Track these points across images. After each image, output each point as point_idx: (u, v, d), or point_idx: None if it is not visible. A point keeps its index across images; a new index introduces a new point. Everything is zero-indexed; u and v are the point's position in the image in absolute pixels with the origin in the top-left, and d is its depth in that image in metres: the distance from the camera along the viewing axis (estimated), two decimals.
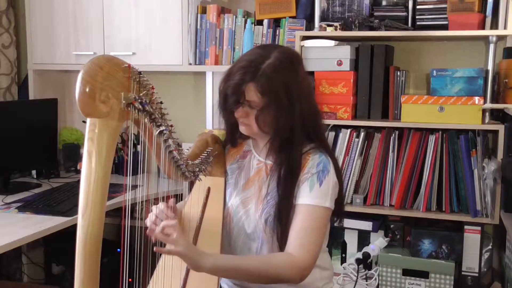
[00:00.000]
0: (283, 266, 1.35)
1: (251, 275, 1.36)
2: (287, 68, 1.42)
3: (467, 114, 2.28)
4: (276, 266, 1.34)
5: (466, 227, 2.33)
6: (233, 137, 1.62)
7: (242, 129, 1.50)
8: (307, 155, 1.48)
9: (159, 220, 1.41)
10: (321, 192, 1.42)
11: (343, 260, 2.56)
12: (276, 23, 2.68)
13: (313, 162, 1.46)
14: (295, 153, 1.46)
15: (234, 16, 2.70)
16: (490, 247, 2.46)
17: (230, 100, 1.43)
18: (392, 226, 2.49)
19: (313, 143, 1.51)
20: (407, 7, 2.46)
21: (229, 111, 1.48)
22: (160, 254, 1.26)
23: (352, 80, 2.44)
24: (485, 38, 2.40)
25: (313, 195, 1.42)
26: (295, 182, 1.45)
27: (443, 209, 2.36)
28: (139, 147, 2.93)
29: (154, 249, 1.26)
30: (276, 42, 2.67)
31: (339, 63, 2.46)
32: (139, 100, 1.14)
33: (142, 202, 2.57)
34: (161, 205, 1.45)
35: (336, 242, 2.56)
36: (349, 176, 2.46)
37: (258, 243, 1.51)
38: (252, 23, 2.67)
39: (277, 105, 1.41)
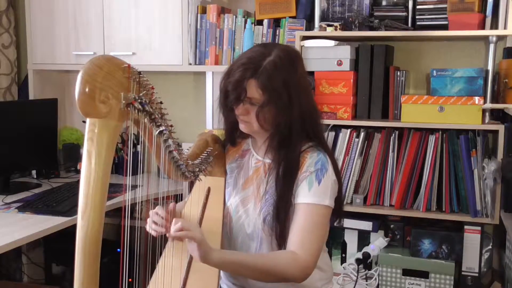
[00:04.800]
0: (286, 264, 1.35)
1: (255, 272, 1.35)
2: (287, 66, 1.43)
3: (467, 114, 2.28)
4: (280, 264, 1.35)
5: (466, 227, 2.33)
6: (232, 136, 1.62)
7: (242, 127, 1.50)
8: (305, 153, 1.48)
9: (160, 227, 1.42)
10: (320, 190, 1.42)
11: (343, 260, 2.56)
12: (276, 23, 2.68)
13: (311, 160, 1.46)
14: (294, 151, 1.46)
15: (234, 16, 2.70)
16: (490, 247, 2.46)
17: (231, 96, 1.43)
18: (392, 226, 2.49)
19: (311, 141, 1.51)
20: (407, 7, 2.46)
21: (230, 108, 1.48)
22: (160, 254, 1.26)
23: (352, 80, 2.44)
24: (485, 38, 2.40)
25: (312, 194, 1.42)
26: (294, 181, 1.45)
27: (443, 209, 2.36)
28: (139, 147, 2.93)
29: (167, 235, 1.25)
30: (276, 42, 2.67)
31: (339, 63, 2.45)
32: (139, 100, 1.14)
33: (142, 202, 2.57)
34: (159, 210, 1.45)
35: (336, 242, 2.56)
36: (349, 176, 2.46)
37: (257, 243, 1.51)
38: (252, 23, 2.67)
39: (277, 102, 1.41)
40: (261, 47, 1.48)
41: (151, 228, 1.45)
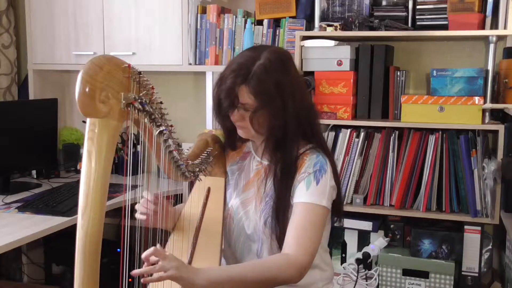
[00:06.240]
0: (279, 268, 1.32)
1: (249, 282, 1.31)
2: (278, 68, 1.42)
3: (467, 114, 2.28)
4: (273, 268, 1.33)
5: (466, 227, 2.33)
6: (231, 141, 1.62)
7: (240, 132, 1.50)
8: (304, 155, 1.48)
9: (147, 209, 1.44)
10: (318, 190, 1.42)
11: (343, 260, 2.56)
12: (276, 23, 2.68)
13: (310, 162, 1.46)
14: (290, 153, 1.46)
15: (234, 16, 2.70)
16: (490, 247, 2.46)
17: (224, 104, 1.43)
18: (392, 226, 2.49)
19: (310, 143, 1.50)
20: (407, 7, 2.46)
21: (224, 115, 1.48)
22: None
23: (352, 80, 2.44)
24: (485, 38, 2.40)
25: (309, 194, 1.41)
26: (291, 182, 1.44)
27: (443, 209, 2.36)
28: (139, 147, 2.93)
29: (142, 280, 1.18)
30: (276, 42, 2.67)
31: (339, 63, 2.46)
32: (139, 100, 1.14)
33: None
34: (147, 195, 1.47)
35: (336, 242, 2.56)
36: (349, 176, 2.46)
37: (258, 244, 1.51)
38: (252, 23, 2.67)
39: (271, 105, 1.40)
40: (251, 51, 1.47)
41: (140, 213, 1.47)
